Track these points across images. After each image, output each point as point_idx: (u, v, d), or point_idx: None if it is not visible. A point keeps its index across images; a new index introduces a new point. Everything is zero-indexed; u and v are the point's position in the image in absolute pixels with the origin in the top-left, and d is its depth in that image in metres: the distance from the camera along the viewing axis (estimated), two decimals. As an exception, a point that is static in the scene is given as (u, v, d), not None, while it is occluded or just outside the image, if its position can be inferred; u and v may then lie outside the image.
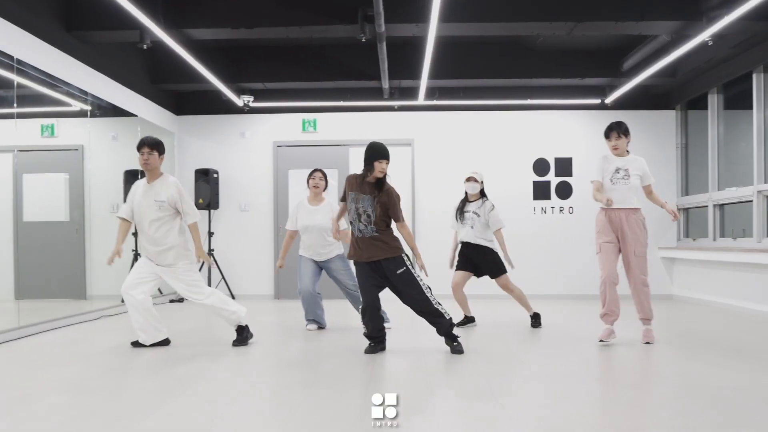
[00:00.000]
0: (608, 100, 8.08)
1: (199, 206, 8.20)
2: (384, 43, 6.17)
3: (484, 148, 8.39)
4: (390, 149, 4.27)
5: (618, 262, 4.61)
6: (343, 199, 4.39)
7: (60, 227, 6.50)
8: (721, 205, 7.48)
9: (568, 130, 8.46)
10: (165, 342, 4.57)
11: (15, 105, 5.27)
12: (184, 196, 4.48)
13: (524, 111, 8.44)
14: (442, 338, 4.31)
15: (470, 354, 4.22)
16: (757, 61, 6.56)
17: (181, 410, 2.90)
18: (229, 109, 8.43)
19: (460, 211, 5.48)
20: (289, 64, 7.79)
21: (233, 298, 8.23)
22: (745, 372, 3.68)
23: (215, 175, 8.40)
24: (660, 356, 4.23)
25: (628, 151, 4.68)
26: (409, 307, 4.28)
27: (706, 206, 7.66)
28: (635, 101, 8.20)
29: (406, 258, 4.22)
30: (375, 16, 5.40)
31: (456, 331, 4.37)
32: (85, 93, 6.28)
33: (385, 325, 4.61)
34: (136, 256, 6.80)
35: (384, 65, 6.86)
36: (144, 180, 4.56)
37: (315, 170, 5.44)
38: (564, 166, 8.43)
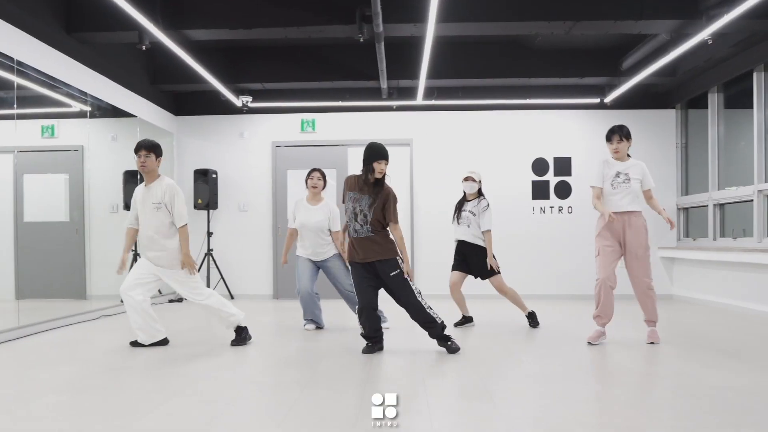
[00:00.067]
0: (607, 99, 8.07)
1: (198, 206, 8.22)
2: (382, 43, 6.17)
3: (483, 148, 8.39)
4: (389, 149, 4.28)
5: (617, 267, 4.58)
6: (344, 201, 4.40)
7: (60, 227, 6.51)
8: (721, 205, 7.47)
9: (567, 129, 8.45)
10: (164, 342, 4.59)
11: (15, 106, 5.28)
12: (175, 198, 4.49)
13: (523, 111, 8.44)
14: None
15: (468, 354, 4.22)
16: (757, 59, 6.55)
17: (180, 409, 2.90)
18: (228, 109, 8.44)
19: (458, 210, 5.49)
20: (287, 64, 7.80)
21: (232, 298, 8.25)
22: (744, 372, 3.68)
23: (214, 176, 8.40)
24: (659, 356, 4.22)
25: (629, 155, 4.67)
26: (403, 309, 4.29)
27: (706, 206, 7.65)
28: (635, 101, 8.19)
29: (400, 261, 4.22)
30: (373, 16, 5.41)
31: (454, 331, 4.37)
32: (85, 94, 6.30)
33: (383, 325, 4.61)
34: (136, 256, 6.81)
35: (382, 65, 6.86)
36: (142, 184, 4.61)
37: (313, 170, 5.44)
38: (563, 165, 8.42)
